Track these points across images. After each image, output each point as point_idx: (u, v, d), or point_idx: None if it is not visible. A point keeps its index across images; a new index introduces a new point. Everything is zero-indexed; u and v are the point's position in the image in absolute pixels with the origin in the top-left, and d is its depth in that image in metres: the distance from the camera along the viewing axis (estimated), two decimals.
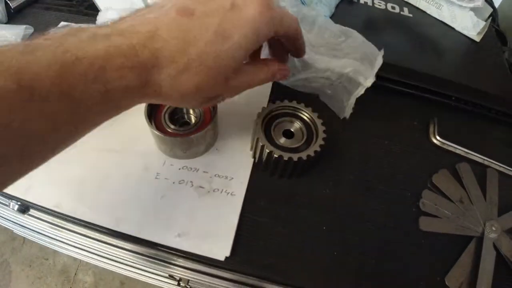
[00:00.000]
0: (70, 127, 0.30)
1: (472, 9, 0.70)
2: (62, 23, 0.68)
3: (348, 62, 0.51)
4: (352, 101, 0.54)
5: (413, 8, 0.77)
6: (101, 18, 0.59)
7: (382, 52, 0.51)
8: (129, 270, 0.85)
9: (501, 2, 0.97)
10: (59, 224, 0.54)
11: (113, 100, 0.31)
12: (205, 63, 0.33)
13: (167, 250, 0.45)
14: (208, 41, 0.32)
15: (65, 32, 0.29)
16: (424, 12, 0.76)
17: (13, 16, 0.70)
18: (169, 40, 0.31)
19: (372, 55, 0.52)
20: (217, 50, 0.33)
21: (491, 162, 0.57)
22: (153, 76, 0.32)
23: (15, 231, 0.71)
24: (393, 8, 0.75)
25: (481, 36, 0.71)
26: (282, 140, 0.49)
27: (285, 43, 0.42)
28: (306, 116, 0.51)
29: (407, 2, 0.77)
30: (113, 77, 0.29)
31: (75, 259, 1.42)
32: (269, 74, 0.41)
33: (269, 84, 0.61)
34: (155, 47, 0.31)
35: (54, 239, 0.73)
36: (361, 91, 0.52)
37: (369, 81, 0.51)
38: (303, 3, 0.65)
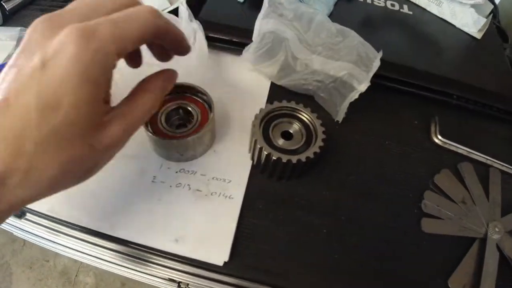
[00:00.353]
0: None
1: (473, 6, 0.69)
2: None
3: (343, 65, 0.50)
4: (345, 105, 0.53)
5: (413, 6, 0.76)
6: None
7: (380, 54, 0.51)
8: (130, 272, 0.84)
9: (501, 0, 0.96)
10: (55, 228, 0.53)
11: None
12: (51, 152, 0.27)
13: (164, 255, 0.45)
14: (37, 125, 0.26)
15: None
16: (424, 9, 0.75)
17: (8, 18, 0.69)
18: None
19: (369, 56, 0.51)
20: (53, 129, 0.26)
21: (493, 161, 0.56)
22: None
23: (14, 233, 0.70)
24: (392, 5, 0.74)
25: (482, 33, 0.71)
26: (281, 142, 0.48)
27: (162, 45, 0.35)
28: (305, 117, 0.50)
29: (407, 0, 0.77)
30: None
31: (75, 260, 1.42)
32: (157, 98, 0.35)
33: (267, 84, 0.60)
34: None
35: (53, 242, 0.72)
36: (355, 95, 0.51)
37: (363, 86, 0.50)
38: (301, 1, 0.64)
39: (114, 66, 0.29)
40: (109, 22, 0.28)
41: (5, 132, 0.25)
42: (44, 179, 0.27)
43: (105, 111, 0.30)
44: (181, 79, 0.43)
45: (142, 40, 0.31)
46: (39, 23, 0.29)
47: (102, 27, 0.27)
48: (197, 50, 0.55)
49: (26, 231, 0.61)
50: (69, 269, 1.45)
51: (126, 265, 0.61)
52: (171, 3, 0.65)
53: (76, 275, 1.44)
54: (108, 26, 0.28)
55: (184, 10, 0.54)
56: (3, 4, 0.68)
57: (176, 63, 0.46)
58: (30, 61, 0.26)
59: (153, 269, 0.53)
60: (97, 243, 0.50)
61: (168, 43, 0.35)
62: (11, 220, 0.55)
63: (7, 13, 0.69)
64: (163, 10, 0.63)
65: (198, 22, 0.55)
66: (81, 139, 0.28)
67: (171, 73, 0.37)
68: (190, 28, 0.55)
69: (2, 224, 0.60)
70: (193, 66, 0.55)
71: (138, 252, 0.46)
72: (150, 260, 0.49)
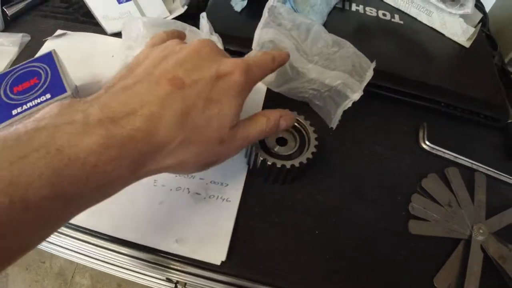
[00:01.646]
0: (61, 219, 0.30)
1: (462, 15, 0.71)
2: (59, 31, 0.69)
3: (338, 75, 0.53)
4: (339, 113, 0.55)
5: (404, 15, 0.78)
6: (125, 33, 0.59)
7: (373, 65, 0.53)
8: (126, 273, 0.86)
9: (492, 7, 0.98)
10: (62, 231, 0.55)
11: (104, 190, 0.31)
12: (201, 131, 0.35)
13: (165, 255, 0.47)
14: (201, 109, 0.34)
15: (57, 113, 0.29)
16: (415, 18, 0.77)
17: (10, 24, 0.70)
18: (165, 117, 0.32)
19: (363, 66, 0.53)
20: (210, 115, 0.35)
21: (479, 165, 0.59)
22: (150, 160, 0.32)
23: None
24: (384, 15, 0.76)
25: (470, 42, 0.73)
26: (276, 148, 0.50)
27: None
28: (299, 124, 0.52)
29: (398, 9, 0.78)
30: (107, 171, 0.28)
31: (72, 262, 1.43)
32: (270, 124, 0.42)
33: (263, 92, 0.63)
34: (152, 130, 0.31)
35: (51, 243, 0.74)
36: (348, 104, 0.53)
37: (356, 95, 0.52)
38: (295, 11, 0.66)
39: (249, 92, 0.41)
40: (255, 64, 0.41)
41: (175, 106, 0.33)
42: (187, 155, 0.35)
43: (237, 120, 0.39)
44: None
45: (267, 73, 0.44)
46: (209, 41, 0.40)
47: (252, 67, 0.40)
48: None
49: None
50: (65, 270, 1.46)
51: (124, 266, 0.63)
52: (170, 12, 0.67)
53: (72, 277, 1.45)
54: (255, 67, 0.40)
55: (205, 23, 0.56)
56: (5, 10, 0.70)
57: None
58: (209, 67, 0.37)
59: (152, 269, 0.55)
60: (99, 244, 0.52)
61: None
62: None
63: (9, 18, 0.70)
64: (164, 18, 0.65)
65: (217, 34, 0.57)
66: (223, 130, 0.37)
67: (289, 115, 0.46)
68: None
69: None
70: None
71: (139, 253, 0.48)
72: (150, 260, 0.51)
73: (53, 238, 0.58)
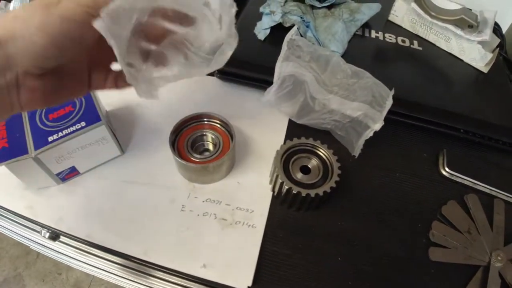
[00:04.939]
0: None
1: (480, 42, 0.72)
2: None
3: (359, 106, 0.54)
4: (361, 142, 0.57)
5: (422, 41, 0.79)
6: None
7: (392, 92, 0.54)
8: None
9: (508, 28, 0.99)
10: (87, 250, 0.57)
11: None
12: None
13: (192, 279, 0.49)
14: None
15: None
16: (433, 44, 0.79)
17: None
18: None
19: (382, 95, 0.55)
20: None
21: (498, 192, 0.60)
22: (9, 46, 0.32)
23: (31, 246, 0.74)
24: (403, 41, 0.78)
25: (489, 67, 0.74)
26: (300, 176, 0.52)
27: None
28: (322, 153, 0.54)
29: (417, 35, 0.80)
30: None
31: (87, 274, 1.44)
32: None
33: (286, 120, 0.65)
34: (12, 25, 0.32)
35: (68, 256, 0.76)
36: (370, 134, 0.55)
37: (378, 125, 0.54)
38: (319, 44, 0.68)
39: None
40: None
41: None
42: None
43: None
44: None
45: None
46: None
47: None
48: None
49: (60, 252, 0.64)
50: (81, 283, 1.47)
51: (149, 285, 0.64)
52: None
53: None
54: None
55: None
56: None
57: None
58: None
59: None
60: (126, 265, 0.55)
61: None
62: (43, 240, 0.59)
63: None
64: None
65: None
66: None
67: None
68: None
69: (20, 238, 0.63)
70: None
71: (167, 275, 0.50)
72: (178, 283, 0.52)
73: (86, 259, 0.60)
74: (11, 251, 1.50)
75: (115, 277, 0.77)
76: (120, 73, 0.43)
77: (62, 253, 0.64)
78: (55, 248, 0.63)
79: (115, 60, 0.38)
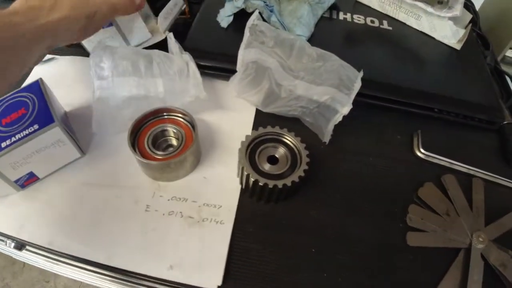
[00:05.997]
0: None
1: (451, 18, 0.71)
2: (47, 56, 0.69)
3: (325, 90, 0.52)
4: (330, 127, 0.55)
5: (392, 21, 0.77)
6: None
7: (361, 74, 0.52)
8: None
9: (482, 4, 0.98)
10: (54, 258, 0.55)
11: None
12: None
13: (160, 282, 0.46)
14: None
15: None
16: (404, 23, 0.77)
17: None
18: None
19: (351, 78, 0.53)
20: None
21: (476, 171, 0.58)
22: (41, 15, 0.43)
23: (14, 256, 0.72)
24: (372, 22, 0.76)
25: (461, 44, 0.72)
26: (267, 167, 0.50)
27: None
28: (290, 141, 0.52)
29: (386, 15, 0.78)
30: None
31: (75, 280, 1.43)
32: None
33: (253, 109, 0.63)
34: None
35: (53, 263, 0.74)
36: (339, 118, 0.53)
37: (346, 109, 0.52)
38: (284, 28, 0.65)
39: None
40: None
41: None
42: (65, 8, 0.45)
43: None
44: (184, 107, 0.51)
45: None
46: None
47: None
48: (191, 80, 0.57)
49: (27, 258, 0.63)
50: None
51: None
52: (152, 34, 0.65)
53: None
54: None
55: (173, 43, 0.56)
56: None
57: (176, 95, 0.50)
58: None
59: None
60: (96, 270, 0.52)
61: None
62: (10, 249, 0.57)
63: None
64: (145, 42, 0.64)
65: (188, 53, 0.57)
66: None
67: None
68: (182, 61, 0.57)
69: (2, 249, 0.62)
70: (192, 95, 0.57)
71: (134, 279, 0.48)
72: (146, 286, 0.50)
73: (53, 265, 0.58)
74: None
75: (99, 282, 0.76)
76: None
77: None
78: (25, 258, 0.61)
79: None
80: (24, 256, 0.58)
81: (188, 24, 0.71)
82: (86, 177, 0.54)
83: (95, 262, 0.48)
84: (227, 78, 0.62)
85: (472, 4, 0.90)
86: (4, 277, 1.46)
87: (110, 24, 0.60)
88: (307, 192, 0.54)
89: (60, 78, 0.60)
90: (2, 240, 0.52)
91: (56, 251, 0.49)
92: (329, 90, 0.52)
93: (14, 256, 0.70)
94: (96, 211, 0.51)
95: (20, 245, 0.51)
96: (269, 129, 0.52)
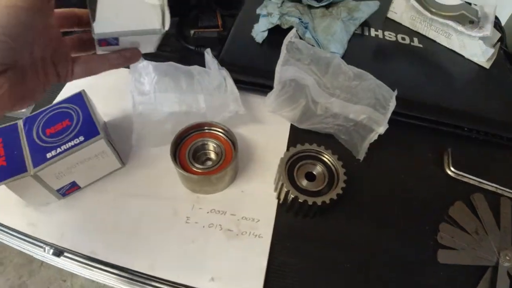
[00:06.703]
0: None
1: (481, 37, 0.71)
2: None
3: (362, 109, 0.54)
4: (365, 145, 0.56)
5: (423, 38, 0.78)
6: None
7: (395, 94, 0.54)
8: None
9: (507, 21, 0.98)
10: (92, 265, 0.56)
11: None
12: None
13: None
14: None
15: None
16: (434, 41, 0.78)
17: None
18: None
19: (386, 97, 0.54)
20: None
21: (504, 190, 0.59)
22: None
23: (34, 255, 0.73)
24: (403, 39, 0.77)
25: (490, 63, 0.73)
26: (305, 183, 0.52)
27: None
28: (327, 159, 0.53)
29: (417, 32, 0.79)
30: None
31: (92, 280, 1.44)
32: None
33: (287, 127, 0.64)
34: None
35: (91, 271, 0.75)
36: (374, 137, 0.55)
37: (382, 129, 0.53)
38: (318, 45, 0.67)
39: None
40: None
41: None
42: None
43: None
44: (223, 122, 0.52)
45: None
46: None
47: None
48: (229, 95, 0.59)
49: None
50: None
51: None
52: None
53: None
54: None
55: (210, 59, 0.57)
56: None
57: (216, 110, 0.53)
58: None
59: None
60: (136, 279, 0.54)
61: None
62: (46, 254, 0.58)
63: None
64: None
65: (225, 69, 0.58)
66: None
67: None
68: (220, 76, 0.58)
69: (23, 248, 0.62)
70: (231, 110, 0.59)
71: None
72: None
73: (91, 274, 0.59)
74: (15, 260, 1.49)
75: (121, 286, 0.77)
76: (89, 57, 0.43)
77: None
78: (60, 264, 0.62)
79: (76, 50, 0.42)
80: (65, 264, 0.60)
81: (222, 38, 0.72)
82: (126, 187, 0.56)
83: (136, 272, 0.49)
84: (261, 92, 0.63)
85: (499, 20, 0.90)
86: (21, 275, 1.47)
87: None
88: (341, 208, 0.55)
89: (96, 88, 0.62)
90: (41, 247, 0.53)
91: (97, 260, 0.50)
92: (366, 110, 0.54)
93: (35, 256, 0.71)
94: (137, 221, 0.53)
95: (59, 252, 0.52)
96: (307, 146, 0.53)
